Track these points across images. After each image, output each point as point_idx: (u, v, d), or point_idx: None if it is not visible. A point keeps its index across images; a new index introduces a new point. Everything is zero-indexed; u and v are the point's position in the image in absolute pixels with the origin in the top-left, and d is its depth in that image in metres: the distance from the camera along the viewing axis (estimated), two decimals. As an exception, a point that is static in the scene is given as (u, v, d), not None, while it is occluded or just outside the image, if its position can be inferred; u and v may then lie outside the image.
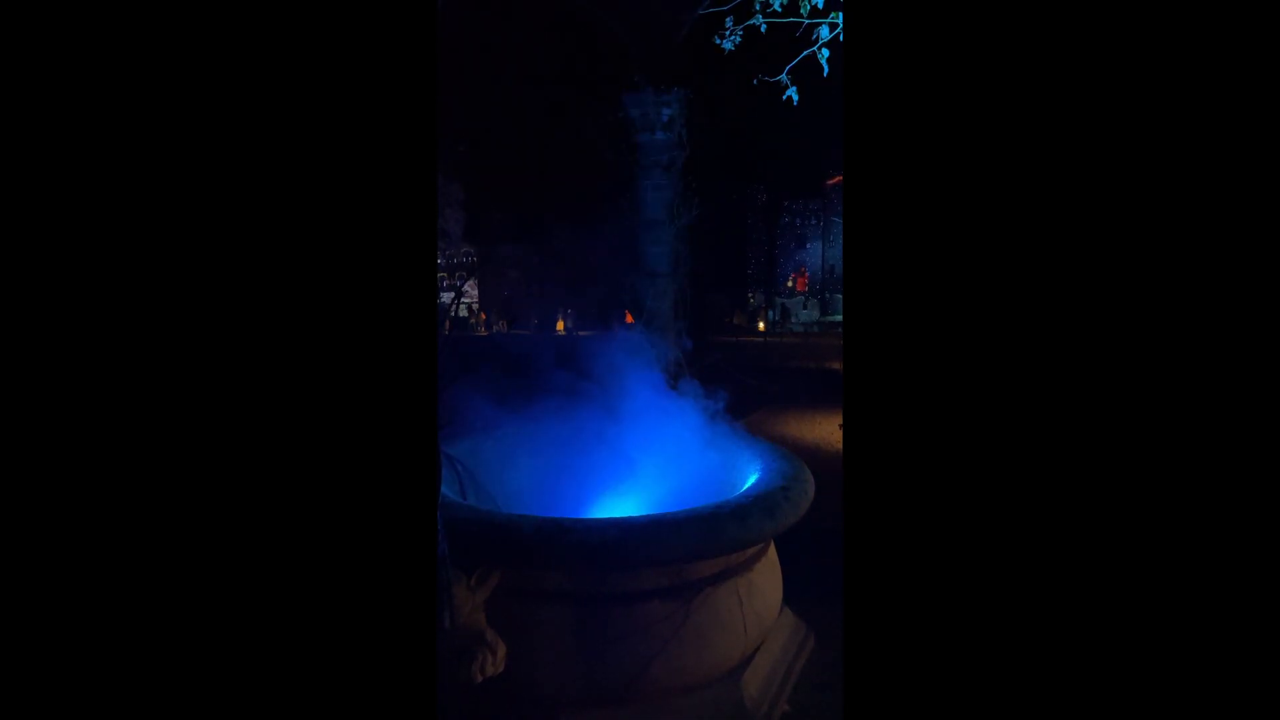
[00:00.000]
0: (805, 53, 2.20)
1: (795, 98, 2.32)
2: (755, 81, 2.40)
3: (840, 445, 4.70)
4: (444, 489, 1.94)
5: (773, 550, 2.08)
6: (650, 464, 2.29)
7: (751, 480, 1.99)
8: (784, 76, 2.32)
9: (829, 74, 2.12)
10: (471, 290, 30.62)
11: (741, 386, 6.23)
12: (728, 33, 2.15)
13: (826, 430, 5.57)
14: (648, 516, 1.65)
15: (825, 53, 2.10)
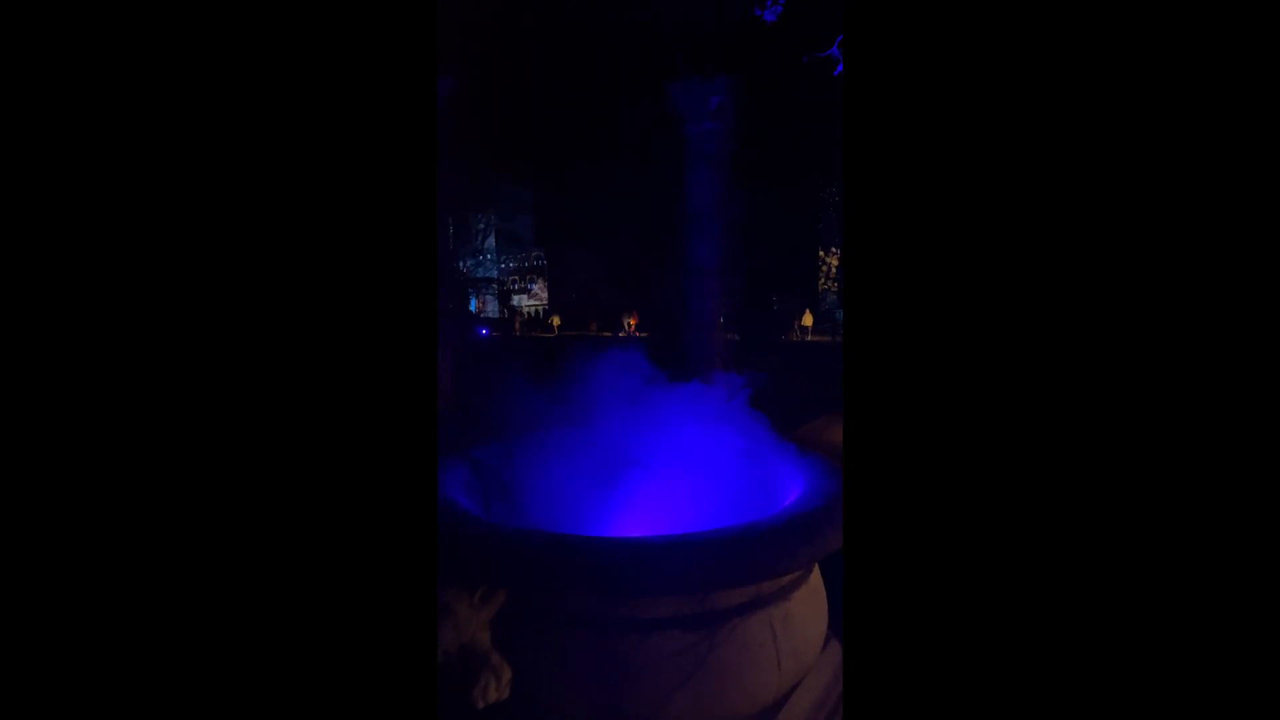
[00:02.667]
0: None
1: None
2: (805, 59, 2.19)
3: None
4: (462, 496, 1.86)
5: (816, 577, 1.86)
6: (688, 477, 2.13)
7: (792, 499, 1.79)
8: (835, 50, 2.10)
9: None
10: (542, 292, 31.37)
11: (802, 392, 5.94)
12: (769, 2, 1.96)
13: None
14: (665, 537, 1.49)
15: None
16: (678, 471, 2.09)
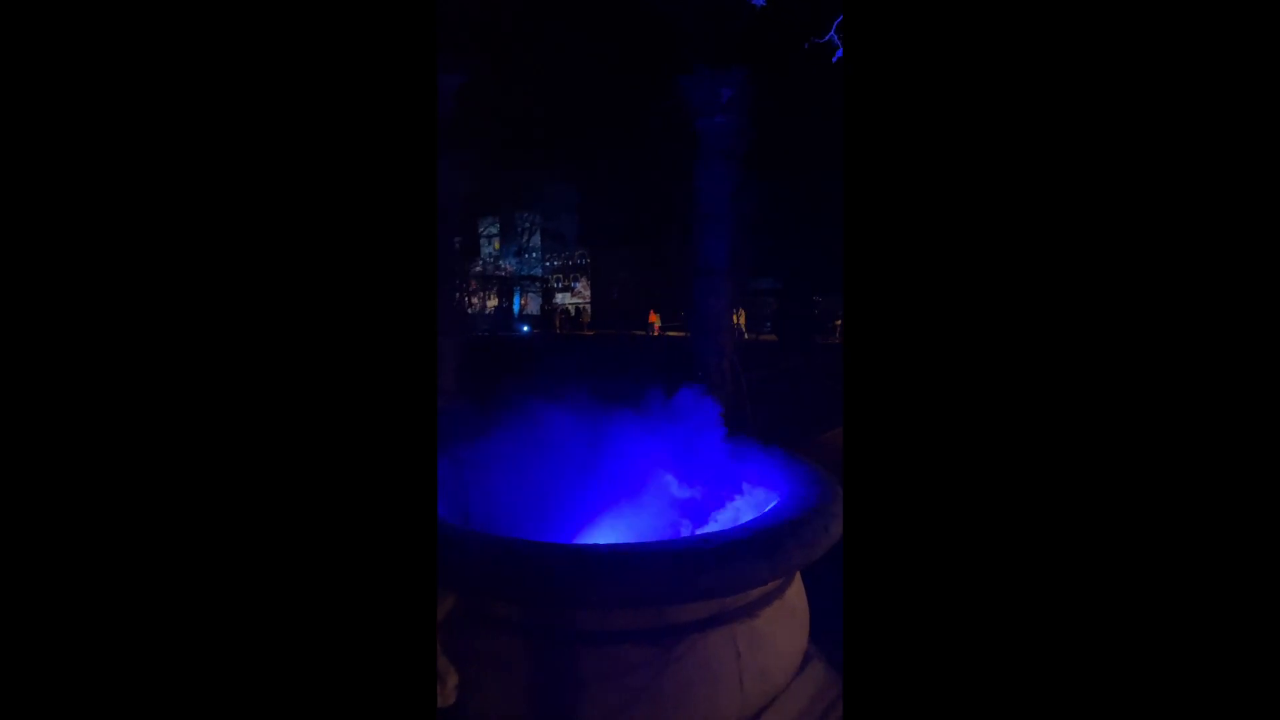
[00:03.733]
0: (855, 4, 1.85)
1: (848, 60, 1.96)
2: (806, 46, 2.08)
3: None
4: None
5: (794, 594, 1.76)
6: (672, 483, 2.05)
7: (764, 511, 1.70)
8: (833, 35, 1.98)
9: None
10: (585, 290, 31.61)
11: (823, 396, 5.76)
12: (757, -15, 1.86)
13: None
14: (612, 547, 1.43)
15: None
16: (657, 479, 2.02)
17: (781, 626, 1.65)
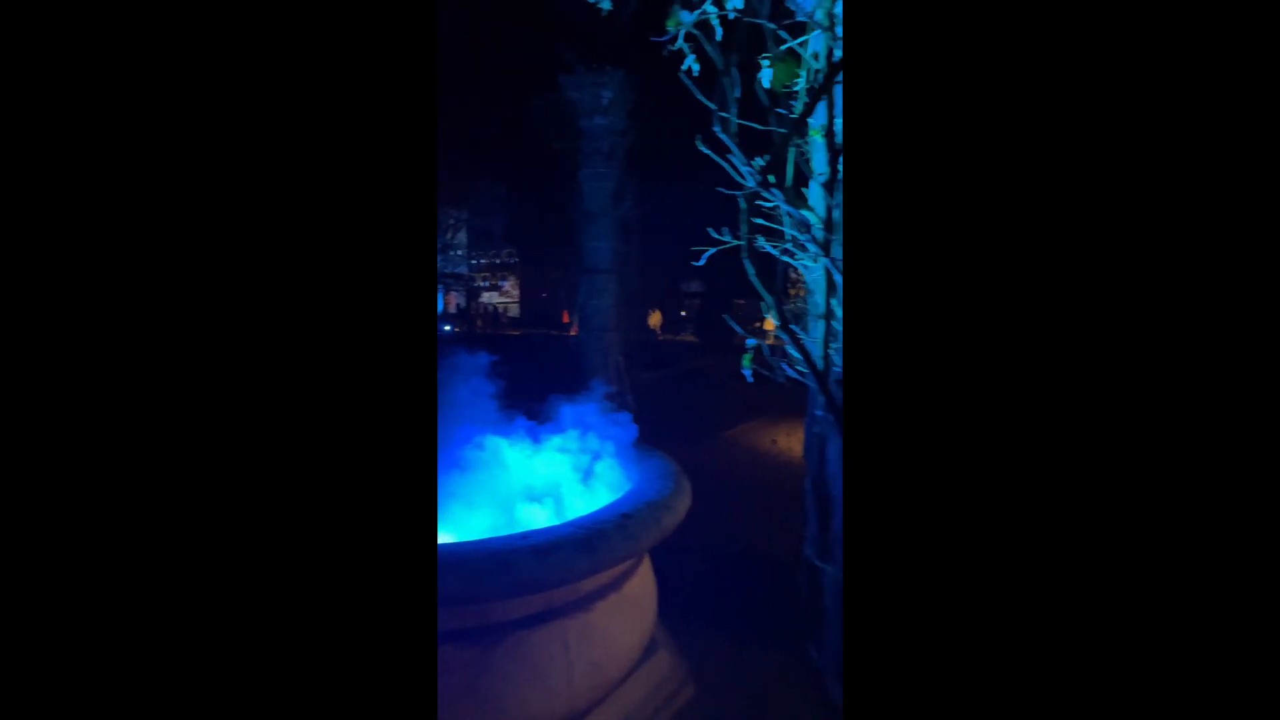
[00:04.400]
0: (698, 12, 1.91)
1: (696, 68, 2.02)
2: (665, 53, 2.12)
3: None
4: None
5: (637, 581, 1.80)
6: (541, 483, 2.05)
7: (602, 505, 1.72)
8: (681, 44, 2.03)
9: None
10: (514, 290, 31.11)
11: (730, 394, 5.93)
12: (601, -16, 1.88)
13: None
14: (425, 547, 1.41)
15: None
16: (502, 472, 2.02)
17: (618, 619, 1.68)
